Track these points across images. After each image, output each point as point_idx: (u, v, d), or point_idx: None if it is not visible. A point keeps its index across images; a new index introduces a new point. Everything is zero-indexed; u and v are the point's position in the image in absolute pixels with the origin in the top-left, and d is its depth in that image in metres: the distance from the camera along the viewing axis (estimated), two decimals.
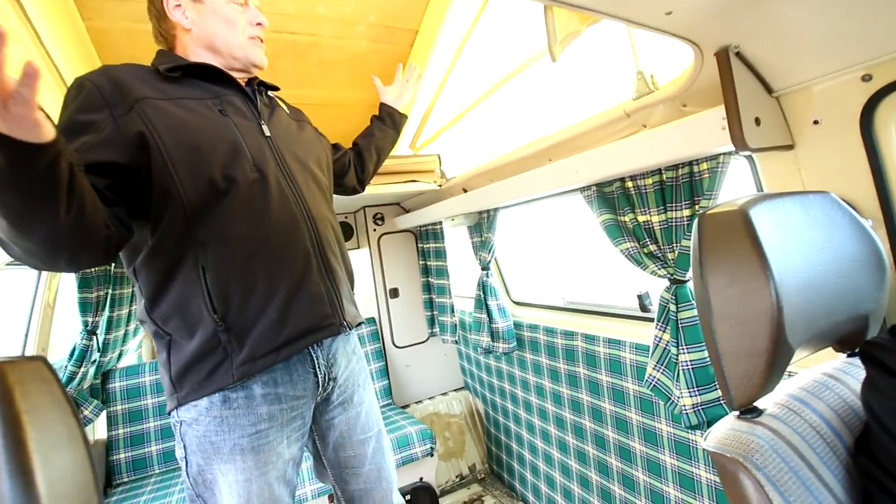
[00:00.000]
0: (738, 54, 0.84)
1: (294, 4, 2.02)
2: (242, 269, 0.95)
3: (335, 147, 1.47)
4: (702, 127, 0.94)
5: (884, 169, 0.83)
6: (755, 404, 0.60)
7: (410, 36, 2.25)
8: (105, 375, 2.12)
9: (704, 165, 1.09)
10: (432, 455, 2.10)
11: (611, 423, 1.64)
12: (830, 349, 0.74)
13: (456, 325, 2.50)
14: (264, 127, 1.05)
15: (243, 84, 1.09)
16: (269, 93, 1.20)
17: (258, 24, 1.07)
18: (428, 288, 2.68)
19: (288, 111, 1.23)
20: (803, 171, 0.93)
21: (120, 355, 2.22)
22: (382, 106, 1.61)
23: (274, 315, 0.96)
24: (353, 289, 1.20)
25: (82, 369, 1.87)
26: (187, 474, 0.98)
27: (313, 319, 1.01)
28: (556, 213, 2.05)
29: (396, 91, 1.61)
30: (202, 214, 0.92)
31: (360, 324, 1.16)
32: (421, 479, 2.10)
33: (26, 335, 1.48)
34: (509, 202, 1.78)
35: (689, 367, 1.20)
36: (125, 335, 2.21)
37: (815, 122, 0.88)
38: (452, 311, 2.49)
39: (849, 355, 0.72)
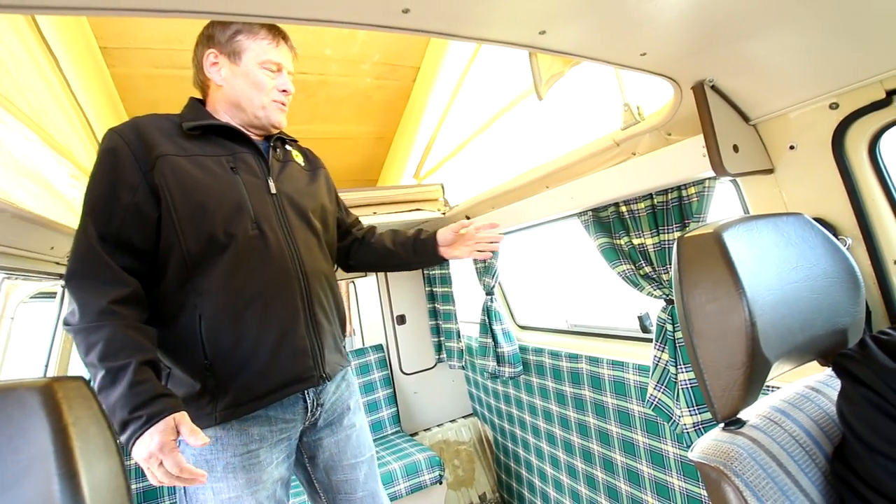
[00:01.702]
0: (713, 87, 0.91)
1: (304, 47, 2.15)
2: (235, 320, 1.01)
3: (353, 223, 1.45)
4: (685, 154, 1.00)
5: (858, 189, 0.87)
6: (739, 416, 0.63)
7: (413, 73, 2.37)
8: None
9: (692, 190, 1.14)
10: (441, 483, 2.09)
11: (618, 446, 1.64)
12: (817, 363, 0.77)
13: (462, 350, 2.52)
14: (271, 183, 1.13)
15: (260, 139, 1.18)
16: (287, 145, 1.27)
17: (284, 90, 1.14)
18: (434, 314, 2.72)
19: (303, 162, 1.28)
20: (784, 193, 0.97)
21: None
22: (432, 236, 1.35)
23: (259, 366, 1.02)
24: (343, 331, 1.27)
25: None
26: (184, 492, 1.04)
27: (295, 372, 1.07)
28: (557, 237, 2.10)
29: (451, 238, 1.33)
30: (202, 266, 1.00)
31: (340, 370, 1.22)
32: None
33: (46, 364, 1.54)
34: (510, 228, 1.84)
35: (688, 385, 1.22)
36: None
37: (792, 147, 0.94)
38: (459, 336, 2.52)
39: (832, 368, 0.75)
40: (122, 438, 0.84)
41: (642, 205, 1.29)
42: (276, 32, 1.13)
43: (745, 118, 0.95)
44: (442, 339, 2.68)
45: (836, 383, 0.70)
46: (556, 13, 0.64)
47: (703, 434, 1.21)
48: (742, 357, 0.59)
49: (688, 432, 1.22)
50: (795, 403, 0.65)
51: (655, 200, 1.26)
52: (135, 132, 1.00)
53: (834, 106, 0.84)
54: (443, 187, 2.26)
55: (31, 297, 1.60)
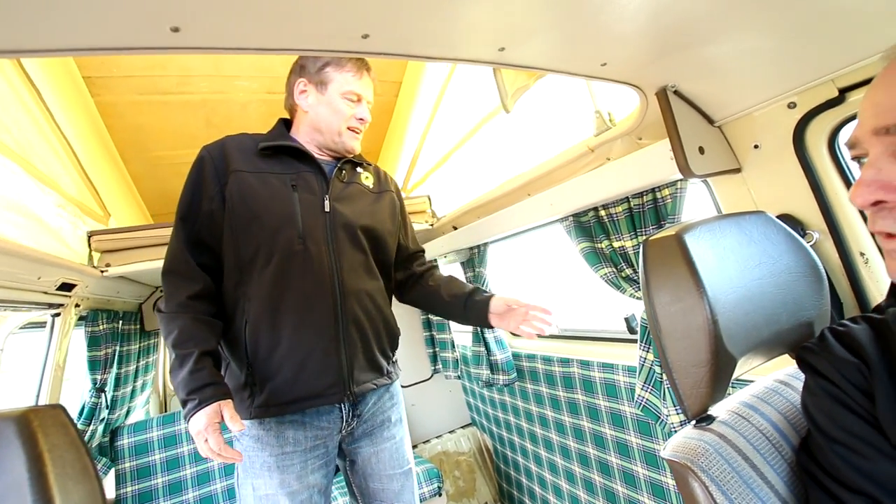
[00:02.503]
0: (675, 92, 0.94)
1: (286, 67, 2.19)
2: (271, 328, 1.12)
3: (416, 254, 1.45)
4: (654, 158, 1.02)
5: (821, 185, 0.90)
6: (710, 413, 0.64)
7: (395, 87, 2.40)
8: (113, 433, 2.15)
9: (666, 192, 1.16)
10: (440, 494, 2.08)
11: (613, 448, 1.64)
12: (788, 356, 0.78)
13: (458, 360, 2.53)
14: (326, 202, 1.20)
15: (330, 160, 1.28)
16: (358, 167, 1.33)
17: (360, 119, 1.24)
18: (428, 325, 2.72)
19: (372, 184, 1.34)
20: (753, 191, 1.00)
21: (128, 412, 2.25)
22: (486, 300, 1.30)
23: (288, 374, 1.12)
24: (390, 350, 1.31)
25: (91, 427, 1.91)
26: (236, 477, 1.18)
27: (319, 388, 1.14)
28: (542, 243, 2.12)
29: (502, 308, 1.28)
30: (251, 273, 1.13)
31: (375, 388, 1.25)
32: None
33: (38, 394, 1.54)
34: (496, 237, 1.86)
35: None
36: (133, 391, 2.25)
37: (756, 147, 0.96)
38: (453, 346, 2.52)
39: None
40: (183, 414, 1.01)
41: (620, 208, 1.31)
42: (361, 65, 1.23)
43: (710, 120, 0.98)
44: (437, 349, 2.68)
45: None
46: (513, 30, 0.66)
47: None
48: (706, 354, 0.60)
49: (675, 431, 1.23)
50: (763, 397, 0.66)
51: (632, 203, 1.28)
52: (220, 150, 1.16)
53: (792, 105, 0.87)
54: (429, 199, 2.28)
55: (21, 328, 1.60)
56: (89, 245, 1.65)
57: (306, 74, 1.21)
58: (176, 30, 0.51)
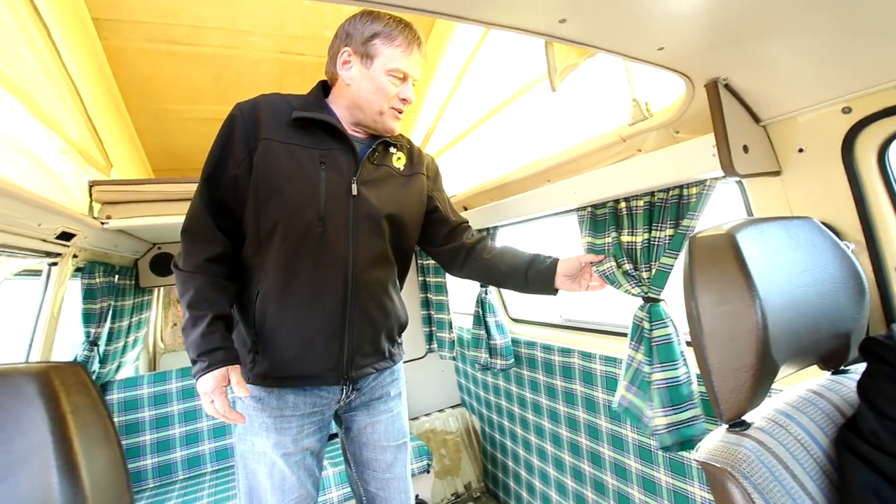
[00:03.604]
0: (726, 86, 0.90)
1: (302, 27, 2.10)
2: (280, 305, 1.11)
3: (460, 225, 1.40)
4: (693, 153, 0.99)
5: (865, 196, 0.88)
6: (743, 418, 0.63)
7: None
8: (103, 387, 2.13)
9: (693, 189, 1.13)
10: (428, 472, 2.10)
11: (607, 440, 1.65)
12: (815, 367, 0.77)
13: (454, 341, 2.52)
14: (353, 185, 1.14)
15: (365, 139, 1.22)
16: (392, 147, 1.26)
17: (403, 99, 1.16)
18: (426, 304, 2.70)
19: (403, 166, 1.26)
20: (790, 196, 0.97)
21: (118, 367, 2.23)
22: (551, 266, 1.27)
23: (290, 353, 1.12)
24: (397, 335, 1.31)
25: None
26: (235, 433, 1.21)
27: (317, 369, 1.15)
28: (552, 231, 2.10)
29: (576, 268, 1.27)
30: (269, 246, 1.11)
31: (373, 373, 1.26)
32: (417, 496, 2.09)
33: (30, 344, 1.50)
34: (510, 220, 1.82)
35: (663, 385, 1.22)
36: (124, 347, 2.22)
37: (801, 151, 0.93)
38: (451, 327, 2.51)
39: (833, 373, 0.76)
40: (193, 372, 1.03)
41: (641, 202, 1.28)
42: (413, 39, 1.14)
43: (756, 119, 0.94)
44: (433, 329, 2.67)
45: (838, 388, 0.71)
46: (577, 2, 0.62)
47: (676, 435, 1.22)
48: (751, 359, 0.59)
49: (659, 433, 1.23)
50: (798, 406, 0.65)
51: (655, 197, 1.24)
52: (252, 112, 1.10)
53: (847, 110, 0.84)
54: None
55: (16, 275, 1.55)
56: (90, 195, 1.59)
57: (352, 43, 1.12)
58: None
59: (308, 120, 1.11)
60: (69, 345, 1.95)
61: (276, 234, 1.09)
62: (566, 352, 1.82)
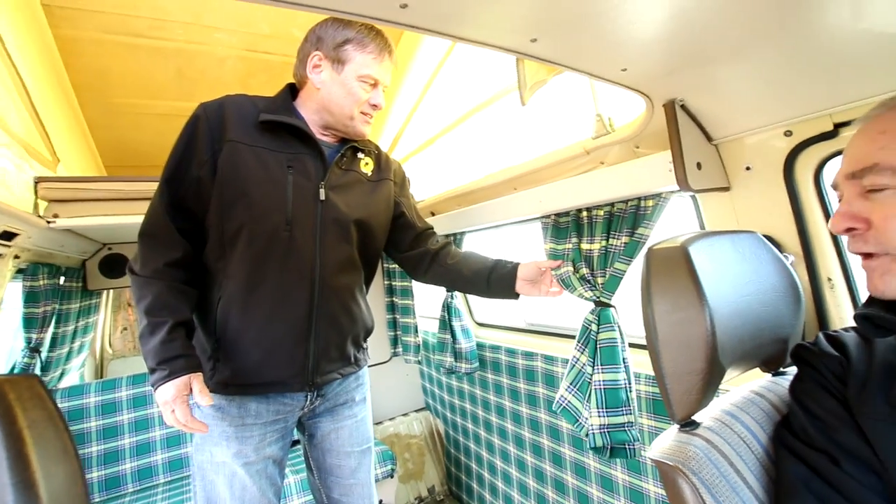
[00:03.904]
0: (682, 106, 0.96)
1: (270, 26, 2.06)
2: (243, 311, 1.09)
3: (425, 231, 1.41)
4: (651, 168, 1.05)
5: (803, 211, 0.96)
6: (693, 418, 0.68)
7: None
8: None
9: (650, 202, 1.20)
10: (392, 476, 2.09)
11: (567, 441, 1.71)
12: (758, 370, 0.83)
13: (419, 345, 2.53)
14: (321, 191, 1.13)
15: (334, 143, 1.20)
16: (360, 153, 1.25)
17: (374, 105, 1.17)
18: (392, 308, 2.70)
19: (371, 171, 1.26)
20: (738, 210, 1.05)
21: (62, 375, 2.09)
22: (511, 271, 1.30)
23: (254, 359, 1.09)
24: (363, 340, 1.30)
25: None
26: (194, 443, 1.16)
27: (282, 376, 1.13)
28: (517, 237, 2.15)
29: (535, 273, 1.28)
30: (232, 250, 1.08)
31: (338, 378, 1.25)
32: (381, 501, 2.08)
33: None
34: (477, 227, 1.85)
35: (602, 387, 1.28)
36: (69, 353, 2.09)
37: (748, 169, 1.01)
38: (416, 331, 2.52)
39: (773, 375, 0.82)
40: (150, 382, 0.99)
41: (601, 211, 1.34)
42: (384, 47, 1.13)
43: (709, 138, 1.01)
44: (399, 333, 2.67)
45: (777, 388, 0.77)
46: (548, 23, 0.65)
47: (607, 438, 1.28)
48: (702, 364, 0.63)
49: (593, 433, 1.28)
50: (742, 406, 0.70)
51: (615, 208, 1.30)
52: (218, 112, 1.08)
53: (788, 133, 0.91)
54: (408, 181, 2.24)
55: None
56: (36, 192, 1.49)
57: (323, 48, 1.11)
58: None
59: (276, 123, 1.10)
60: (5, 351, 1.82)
61: (241, 239, 1.07)
62: (529, 355, 1.87)
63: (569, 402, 1.40)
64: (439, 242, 1.42)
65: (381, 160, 1.32)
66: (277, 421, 1.17)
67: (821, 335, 0.71)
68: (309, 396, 1.20)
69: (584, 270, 1.36)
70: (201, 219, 1.10)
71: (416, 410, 2.81)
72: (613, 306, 1.34)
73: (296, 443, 1.96)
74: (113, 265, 2.32)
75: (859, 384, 0.62)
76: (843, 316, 0.95)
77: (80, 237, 1.93)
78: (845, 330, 0.72)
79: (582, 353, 1.37)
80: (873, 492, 0.54)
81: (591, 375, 1.31)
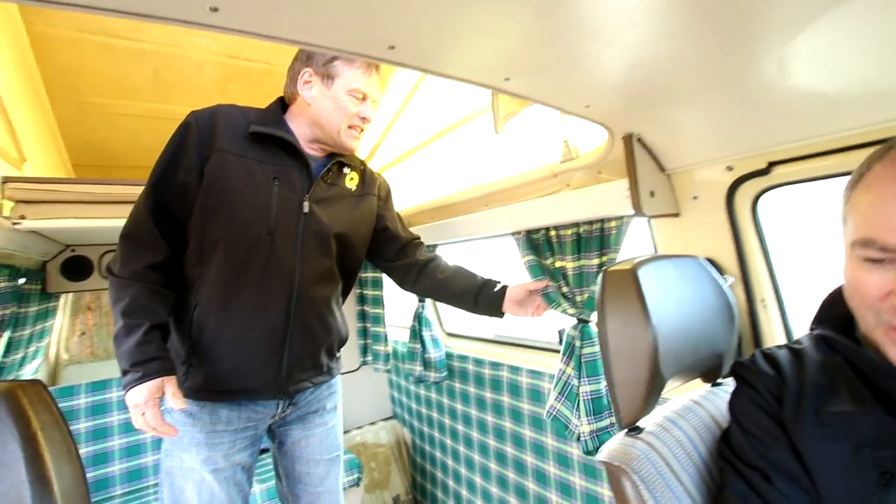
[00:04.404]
0: (639, 140, 1.06)
1: None
2: (220, 317, 1.10)
3: (412, 242, 1.45)
4: (611, 193, 1.14)
5: (741, 238, 1.07)
6: (638, 423, 0.75)
7: None
8: None
9: (612, 223, 1.29)
10: (358, 485, 2.10)
11: (530, 448, 1.78)
12: (699, 380, 0.92)
13: (389, 354, 2.56)
14: (305, 203, 1.16)
15: (321, 157, 1.23)
16: (346, 168, 1.28)
17: (363, 118, 1.20)
18: (363, 316, 2.72)
19: (356, 186, 1.30)
20: (686, 235, 1.15)
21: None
22: (500, 292, 1.37)
23: (227, 366, 1.10)
24: (336, 349, 1.33)
25: None
26: (164, 449, 1.16)
27: (255, 384, 1.15)
28: (487, 250, 2.23)
29: (522, 295, 1.36)
30: (213, 257, 1.10)
31: (310, 387, 1.28)
32: None
33: None
34: (450, 240, 1.92)
35: (589, 397, 1.37)
36: (23, 359, 2.02)
37: (695, 198, 1.11)
38: (386, 340, 2.55)
39: (711, 385, 0.91)
40: (122, 384, 0.99)
41: (569, 231, 1.43)
42: (371, 62, 1.17)
43: (662, 168, 1.11)
44: (369, 341, 2.69)
45: (713, 398, 0.86)
46: (520, 66, 0.73)
47: (596, 441, 1.37)
48: (645, 374, 0.71)
49: (585, 440, 1.37)
50: (682, 414, 0.78)
51: (581, 229, 1.40)
52: (209, 121, 1.10)
53: (730, 168, 1.02)
54: None
55: None
56: (2, 192, 1.46)
57: (313, 64, 1.15)
58: (215, 9, 0.51)
59: (265, 135, 1.13)
60: None
61: (222, 246, 1.09)
62: (496, 365, 1.94)
63: (559, 410, 1.47)
64: (427, 255, 1.46)
65: (365, 175, 1.36)
66: (248, 428, 1.18)
67: (757, 353, 0.75)
68: (280, 404, 1.22)
69: (565, 288, 1.45)
70: (183, 224, 1.11)
71: (384, 419, 2.83)
72: (592, 322, 1.43)
73: (263, 451, 1.95)
74: (76, 267, 2.26)
75: (794, 403, 0.66)
76: (774, 333, 1.06)
77: (44, 238, 1.89)
78: (778, 347, 0.76)
79: (567, 365, 1.45)
80: None
81: (578, 387, 1.40)
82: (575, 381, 1.42)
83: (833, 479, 0.59)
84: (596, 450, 1.38)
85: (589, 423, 1.38)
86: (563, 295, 1.46)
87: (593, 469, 1.53)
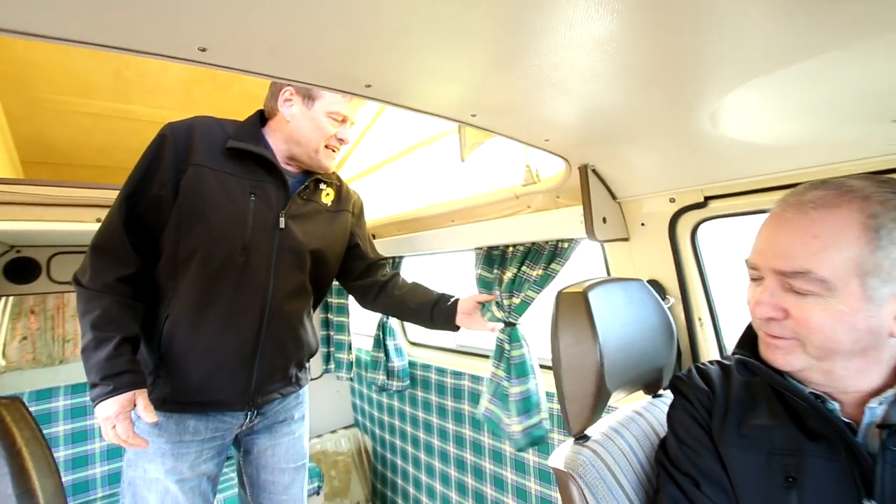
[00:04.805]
0: (594, 170, 1.15)
1: None
2: (190, 330, 1.12)
3: (377, 262, 1.49)
4: (568, 218, 1.23)
5: (682, 263, 1.18)
6: (586, 432, 0.83)
7: None
8: None
9: (565, 244, 1.38)
10: (318, 493, 2.10)
11: (488, 455, 1.84)
12: (641, 392, 1.02)
13: (352, 362, 2.57)
14: (281, 219, 1.17)
15: (298, 173, 1.25)
16: (322, 184, 1.30)
17: (341, 139, 1.22)
18: (327, 324, 2.72)
19: (331, 202, 1.31)
20: (634, 258, 1.25)
21: None
22: (453, 305, 1.41)
23: (196, 378, 1.11)
24: (306, 361, 1.35)
25: None
26: (126, 459, 1.15)
27: (224, 396, 1.16)
28: (451, 262, 2.30)
29: (471, 306, 1.42)
30: (185, 271, 1.11)
31: (279, 398, 1.30)
32: None
33: None
34: (417, 253, 1.97)
35: (519, 397, 1.46)
36: None
37: (643, 224, 1.22)
38: (350, 348, 2.56)
39: (653, 397, 1.01)
40: (90, 396, 1.00)
41: (522, 246, 1.50)
42: None
43: (614, 197, 1.21)
44: (332, 349, 2.69)
45: (654, 409, 0.95)
46: (484, 106, 0.79)
47: (528, 437, 1.45)
48: (592, 388, 0.79)
49: (515, 438, 1.45)
50: (624, 423, 0.87)
51: (534, 244, 1.47)
52: (186, 135, 1.10)
53: (672, 200, 1.13)
54: None
55: None
56: None
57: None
58: (203, 49, 0.54)
59: (243, 151, 1.14)
60: None
61: (195, 261, 1.09)
62: (458, 374, 2.00)
63: (492, 411, 1.54)
64: (388, 274, 1.50)
65: (341, 191, 1.38)
66: (215, 438, 1.18)
67: (693, 368, 0.84)
68: (249, 415, 1.23)
69: (497, 294, 1.52)
70: (156, 236, 1.11)
71: (345, 427, 2.83)
72: (519, 324, 1.50)
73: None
74: (21, 270, 2.15)
75: (721, 415, 0.74)
76: (709, 349, 1.17)
77: None
78: (711, 363, 0.85)
79: (497, 368, 1.53)
80: None
81: (508, 388, 1.46)
82: (505, 383, 1.50)
83: (749, 483, 0.68)
84: (528, 445, 1.47)
85: (520, 423, 1.45)
86: (498, 303, 1.52)
87: (548, 474, 1.61)
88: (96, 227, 1.62)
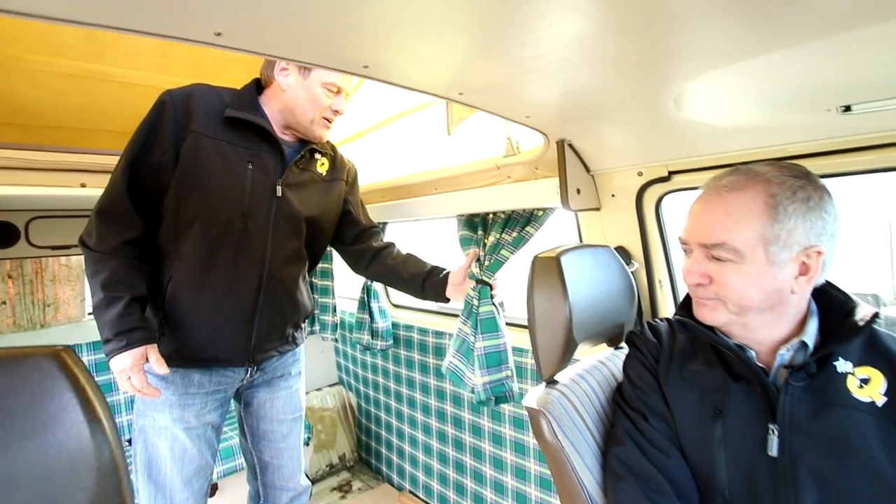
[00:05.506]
0: (570, 145, 1.23)
1: None
2: (193, 292, 1.18)
3: (369, 229, 1.53)
4: (545, 189, 1.32)
5: (647, 231, 1.29)
6: (555, 378, 0.95)
7: None
8: None
9: (541, 212, 1.48)
10: (308, 444, 2.24)
11: (467, 406, 2.00)
12: (606, 345, 1.15)
13: (337, 324, 2.67)
14: (278, 188, 1.21)
15: (294, 143, 1.27)
16: (317, 153, 1.33)
17: (336, 111, 1.24)
18: (311, 288, 2.79)
19: (326, 171, 1.35)
20: (605, 226, 1.37)
21: None
22: (444, 278, 1.46)
23: (199, 337, 1.18)
24: (302, 322, 1.41)
25: None
26: (136, 410, 1.24)
27: (225, 354, 1.23)
28: (432, 227, 2.38)
29: (461, 278, 1.46)
30: (187, 235, 1.13)
31: (276, 356, 1.37)
32: None
33: None
34: (402, 219, 2.04)
35: (483, 352, 1.58)
36: None
37: (613, 196, 1.32)
38: (334, 310, 2.65)
39: (615, 349, 1.14)
40: (105, 350, 1.07)
41: (503, 214, 1.60)
42: None
43: (587, 169, 1.30)
44: (317, 312, 2.78)
45: (615, 359, 1.08)
46: (471, 85, 0.86)
47: (489, 392, 1.60)
48: (562, 339, 0.90)
49: (478, 391, 1.58)
50: (589, 371, 1.00)
51: (514, 213, 1.57)
52: (184, 102, 1.13)
53: (640, 173, 1.23)
54: None
55: None
56: None
57: None
58: (219, 34, 0.60)
59: (240, 120, 1.16)
60: None
61: (196, 226, 1.14)
62: (439, 334, 2.12)
63: (455, 365, 1.66)
64: (382, 242, 1.56)
65: (336, 161, 1.42)
66: (218, 391, 1.27)
67: (646, 324, 0.98)
68: (249, 370, 1.31)
69: (480, 254, 1.61)
70: (158, 201, 1.15)
71: (330, 385, 2.96)
72: (491, 283, 1.59)
73: None
74: None
75: (666, 362, 0.88)
76: (667, 307, 1.31)
77: None
78: (662, 320, 0.99)
79: (465, 324, 1.63)
80: (667, 438, 0.82)
81: (474, 343, 1.57)
82: (472, 339, 1.61)
83: (686, 416, 0.82)
84: (488, 400, 1.59)
85: (482, 376, 1.57)
86: (477, 260, 1.61)
87: (521, 421, 1.77)
88: (81, 191, 1.63)
